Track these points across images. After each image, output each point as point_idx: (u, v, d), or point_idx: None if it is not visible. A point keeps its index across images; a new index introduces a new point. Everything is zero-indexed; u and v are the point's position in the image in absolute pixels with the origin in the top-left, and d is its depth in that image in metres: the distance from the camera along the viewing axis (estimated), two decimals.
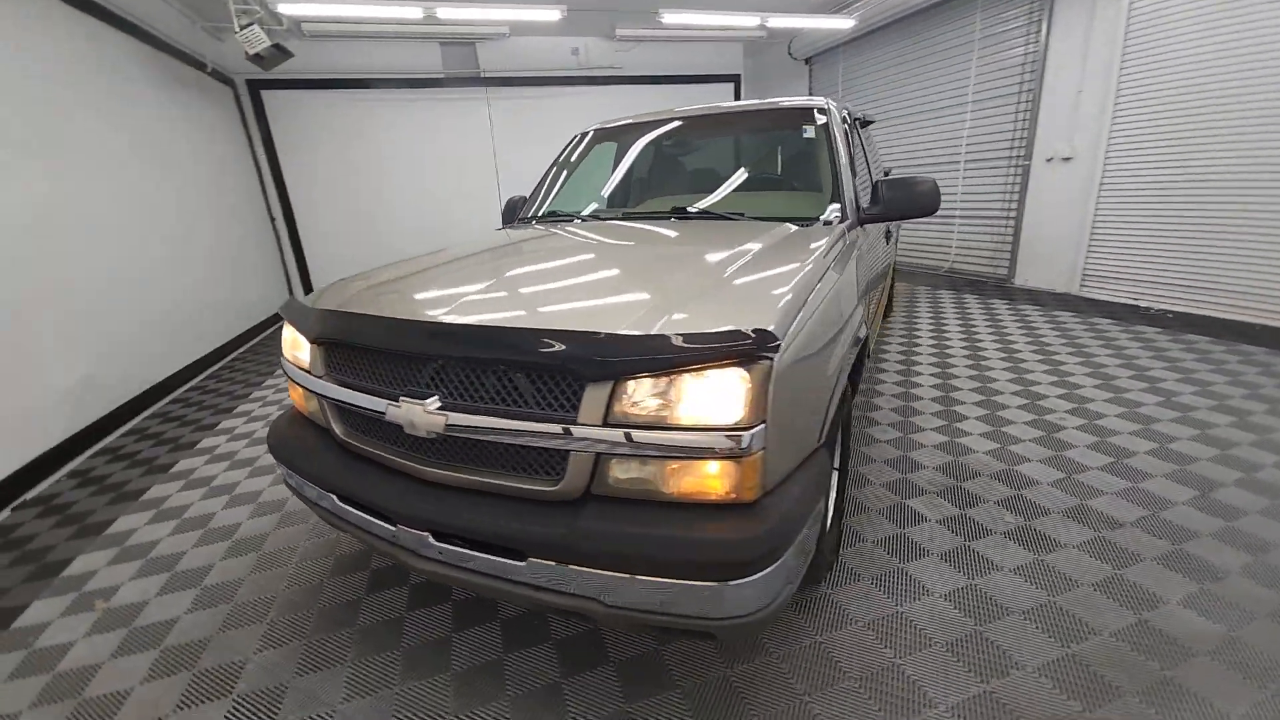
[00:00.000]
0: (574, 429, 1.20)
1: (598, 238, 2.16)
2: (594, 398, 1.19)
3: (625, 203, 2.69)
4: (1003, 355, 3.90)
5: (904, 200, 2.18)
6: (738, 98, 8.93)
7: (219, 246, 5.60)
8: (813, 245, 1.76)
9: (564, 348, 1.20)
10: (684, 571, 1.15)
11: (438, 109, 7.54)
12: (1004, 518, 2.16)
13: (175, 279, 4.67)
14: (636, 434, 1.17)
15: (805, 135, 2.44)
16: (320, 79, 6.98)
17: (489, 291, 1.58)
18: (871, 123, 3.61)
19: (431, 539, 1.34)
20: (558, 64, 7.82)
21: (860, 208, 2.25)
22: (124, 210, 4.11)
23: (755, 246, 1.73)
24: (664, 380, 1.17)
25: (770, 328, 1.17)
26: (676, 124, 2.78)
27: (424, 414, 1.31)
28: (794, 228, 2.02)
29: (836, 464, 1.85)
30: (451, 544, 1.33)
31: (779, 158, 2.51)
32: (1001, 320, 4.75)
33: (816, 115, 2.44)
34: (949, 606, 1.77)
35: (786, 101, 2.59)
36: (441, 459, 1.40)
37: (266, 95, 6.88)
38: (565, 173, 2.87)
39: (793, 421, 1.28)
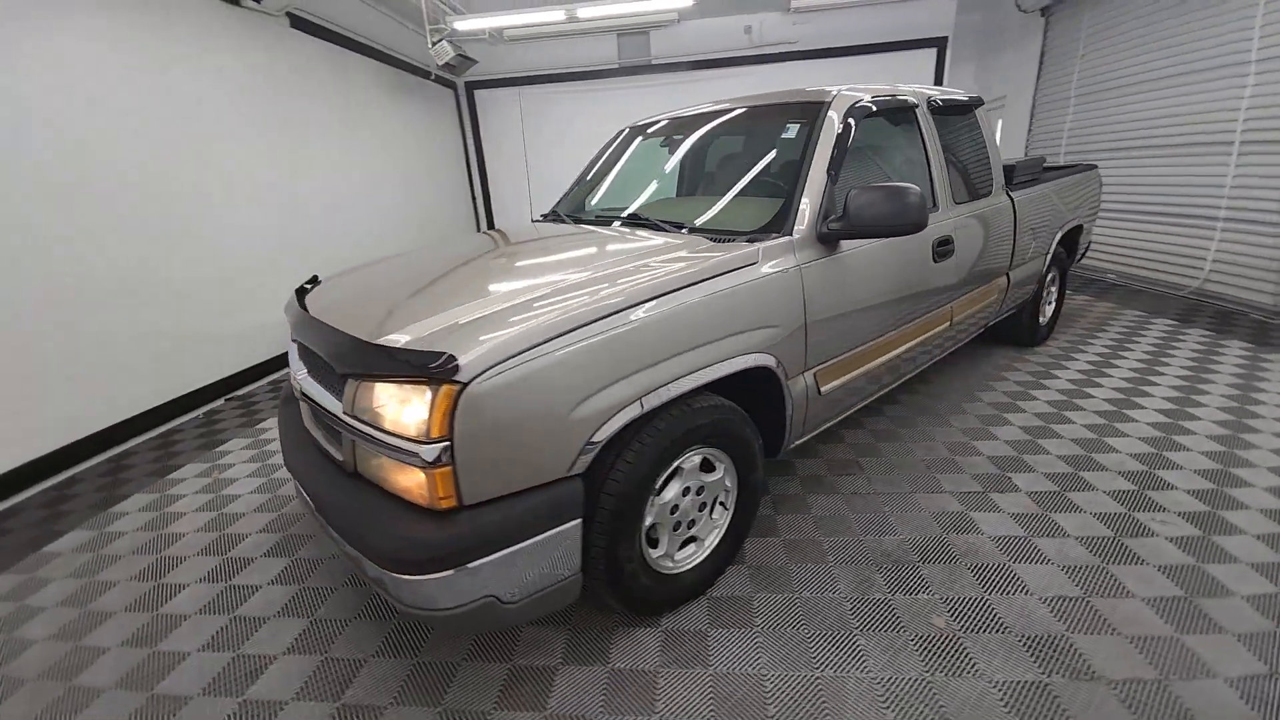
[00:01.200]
0: (339, 413, 1.44)
1: (531, 243, 2.25)
2: (347, 389, 1.41)
3: (612, 203, 2.71)
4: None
5: (872, 214, 1.82)
6: (941, 67, 7.61)
7: (428, 219, 7.06)
8: (671, 270, 1.63)
9: (332, 345, 1.44)
10: (378, 556, 1.32)
11: (613, 97, 8.07)
12: None
13: (395, 242, 6.19)
14: (359, 426, 1.36)
15: (785, 136, 2.15)
16: (517, 77, 8.06)
17: (376, 289, 1.86)
18: (978, 105, 2.90)
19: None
20: (729, 45, 7.67)
21: (824, 222, 1.94)
22: (360, 193, 5.55)
23: (617, 268, 1.67)
24: (375, 385, 1.33)
25: (459, 356, 1.23)
26: (664, 123, 2.68)
27: (294, 380, 1.69)
28: (707, 243, 1.87)
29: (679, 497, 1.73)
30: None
31: (759, 161, 2.25)
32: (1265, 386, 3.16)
33: (802, 113, 2.13)
34: None
35: (791, 96, 2.30)
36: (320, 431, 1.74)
37: (479, 94, 8.24)
38: (594, 169, 2.98)
39: (508, 447, 1.31)
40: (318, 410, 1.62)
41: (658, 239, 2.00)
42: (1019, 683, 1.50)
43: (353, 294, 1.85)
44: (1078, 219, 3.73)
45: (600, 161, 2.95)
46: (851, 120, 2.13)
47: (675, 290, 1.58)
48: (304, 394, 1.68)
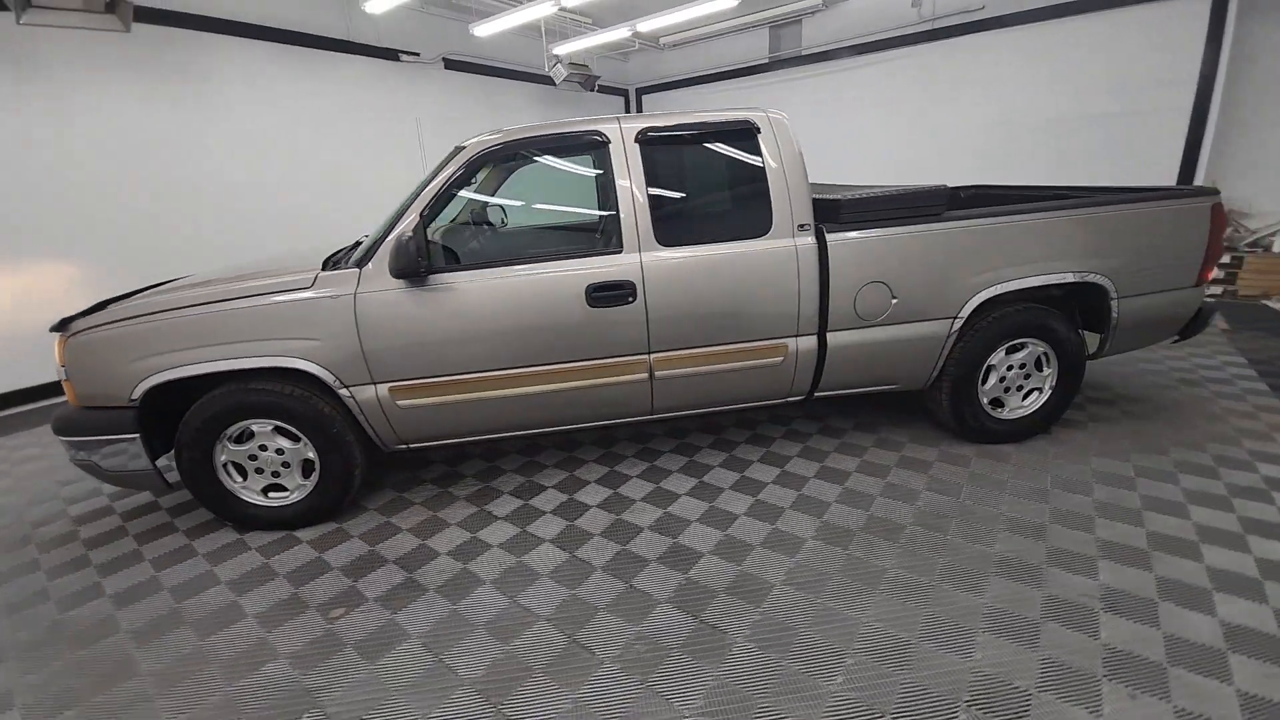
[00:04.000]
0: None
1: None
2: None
3: None
4: None
5: (392, 258, 2.10)
6: (1220, 21, 4.98)
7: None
8: (254, 286, 2.26)
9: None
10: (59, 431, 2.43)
11: (764, 92, 7.80)
12: None
13: None
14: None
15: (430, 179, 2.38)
16: (678, 80, 8.50)
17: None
18: (752, 129, 2.38)
19: None
20: (894, 23, 6.54)
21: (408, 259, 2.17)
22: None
23: (240, 284, 2.36)
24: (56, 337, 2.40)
25: (72, 324, 2.20)
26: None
27: None
28: (318, 271, 2.35)
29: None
30: None
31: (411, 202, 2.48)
32: None
33: (448, 159, 2.33)
34: None
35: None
36: None
37: (646, 99, 8.99)
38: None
39: (92, 376, 2.22)
40: None
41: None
42: None
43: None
44: (1078, 270, 2.54)
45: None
46: (482, 163, 2.27)
47: (230, 300, 2.23)
48: None
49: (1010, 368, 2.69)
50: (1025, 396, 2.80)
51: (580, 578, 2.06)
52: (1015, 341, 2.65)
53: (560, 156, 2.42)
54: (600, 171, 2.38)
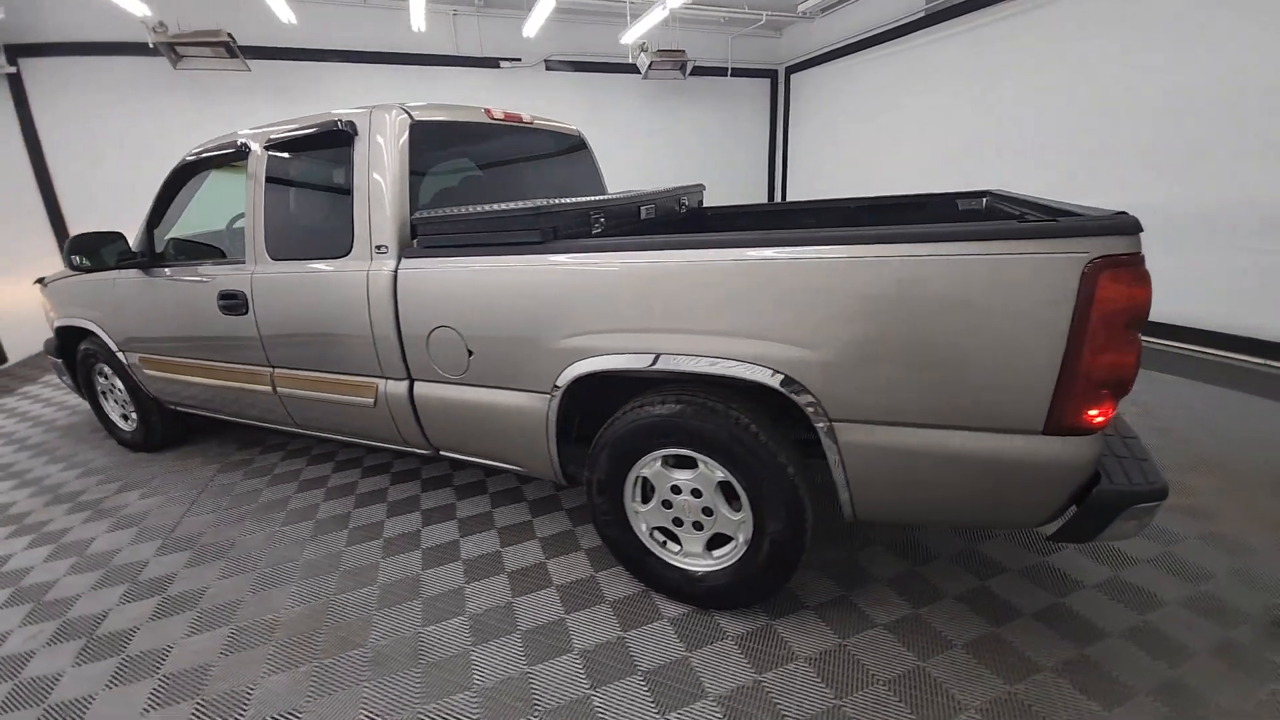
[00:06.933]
0: None
1: None
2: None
3: None
4: None
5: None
6: None
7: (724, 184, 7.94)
8: None
9: None
10: None
11: (921, 55, 5.95)
12: None
13: None
14: None
15: None
16: (824, 53, 7.08)
17: None
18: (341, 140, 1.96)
19: None
20: None
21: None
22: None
23: None
24: None
25: (46, 278, 3.30)
26: None
27: None
28: None
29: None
30: None
31: None
32: None
33: None
34: None
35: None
36: None
37: (795, 79, 7.78)
38: None
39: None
40: None
41: None
42: None
43: None
44: (749, 359, 1.46)
45: None
46: (185, 174, 2.52)
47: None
48: None
49: (678, 490, 1.70)
50: (713, 545, 1.74)
51: None
52: (677, 453, 1.66)
53: (227, 167, 2.47)
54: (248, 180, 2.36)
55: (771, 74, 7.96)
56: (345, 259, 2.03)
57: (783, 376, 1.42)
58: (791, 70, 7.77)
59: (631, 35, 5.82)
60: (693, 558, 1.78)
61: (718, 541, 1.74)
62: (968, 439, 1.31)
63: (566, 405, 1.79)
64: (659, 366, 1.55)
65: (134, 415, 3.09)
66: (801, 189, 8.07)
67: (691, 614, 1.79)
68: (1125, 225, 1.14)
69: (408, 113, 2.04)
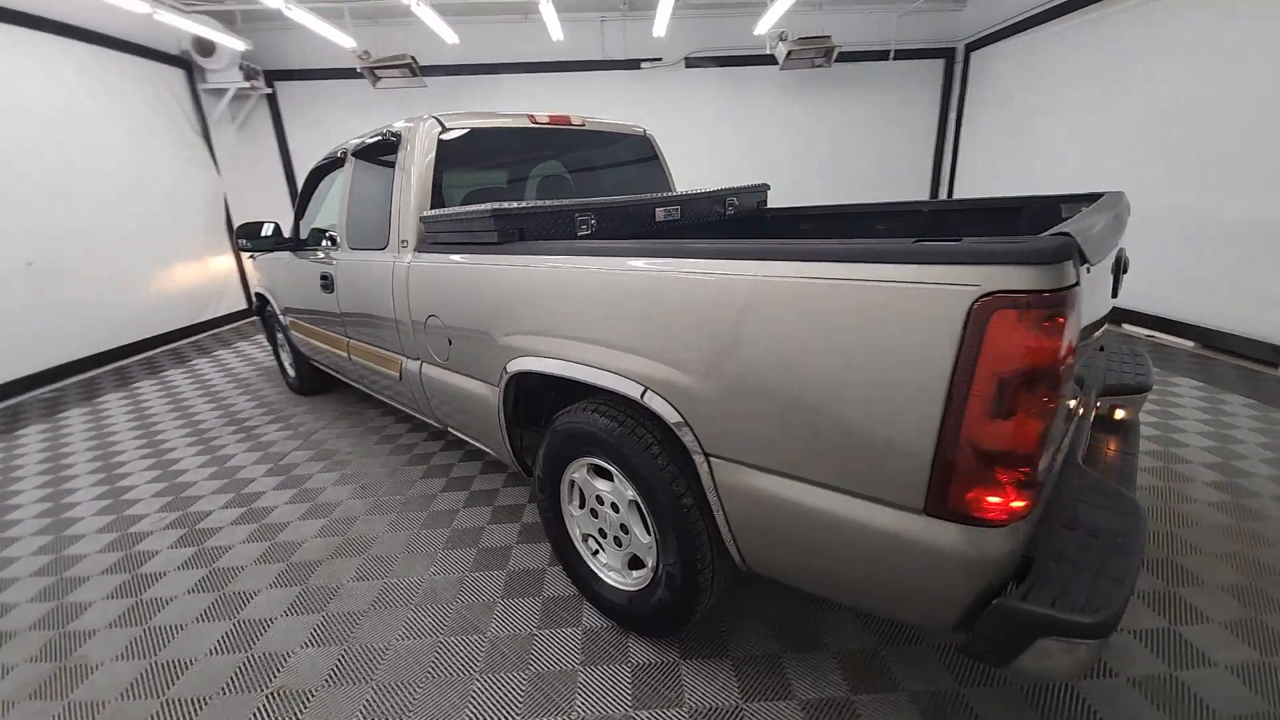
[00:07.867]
0: None
1: None
2: None
3: None
4: None
5: None
6: None
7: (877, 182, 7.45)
8: None
9: None
10: None
11: (1154, 26, 4.68)
12: None
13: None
14: None
15: None
16: (1012, 24, 5.91)
17: None
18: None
19: None
20: None
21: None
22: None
23: None
24: None
25: None
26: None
27: None
28: None
29: None
30: None
31: None
32: None
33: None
34: None
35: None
36: None
37: (975, 56, 6.64)
38: None
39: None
40: None
41: None
42: None
43: None
44: (622, 373, 1.40)
45: None
46: (316, 174, 3.12)
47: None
48: None
49: (601, 501, 1.68)
50: (635, 566, 1.68)
51: None
52: (596, 463, 1.63)
53: (338, 170, 2.96)
54: (341, 181, 2.82)
55: (947, 54, 6.90)
56: (383, 251, 2.35)
57: (643, 389, 1.32)
58: (973, 47, 6.65)
59: (765, 24, 5.53)
60: (615, 573, 1.73)
61: (637, 563, 1.67)
62: (847, 504, 1.08)
63: (526, 400, 1.87)
64: (559, 373, 1.54)
65: (291, 366, 3.93)
66: (973, 186, 6.90)
67: (608, 630, 1.74)
68: (1034, 253, 0.82)
69: (440, 122, 2.27)
